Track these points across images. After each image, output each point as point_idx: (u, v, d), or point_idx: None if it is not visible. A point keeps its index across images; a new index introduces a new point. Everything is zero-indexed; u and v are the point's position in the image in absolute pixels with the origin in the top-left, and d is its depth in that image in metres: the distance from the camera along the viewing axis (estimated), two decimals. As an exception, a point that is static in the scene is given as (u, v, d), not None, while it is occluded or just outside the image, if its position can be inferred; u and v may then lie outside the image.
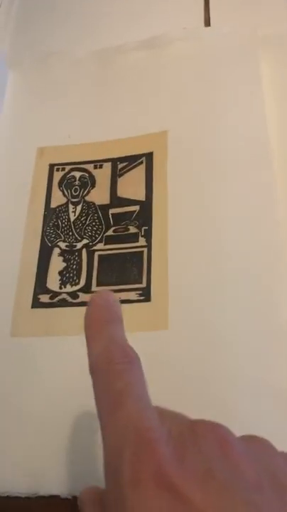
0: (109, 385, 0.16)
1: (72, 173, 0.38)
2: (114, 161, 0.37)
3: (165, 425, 0.15)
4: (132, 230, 0.34)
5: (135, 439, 0.15)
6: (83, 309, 0.32)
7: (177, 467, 0.14)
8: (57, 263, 0.34)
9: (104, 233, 0.35)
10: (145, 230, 0.34)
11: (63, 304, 0.33)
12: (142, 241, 0.34)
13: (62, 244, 0.35)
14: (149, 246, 0.33)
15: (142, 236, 0.34)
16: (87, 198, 0.37)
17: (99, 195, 0.36)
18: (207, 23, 0.44)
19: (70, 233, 0.36)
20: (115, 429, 0.15)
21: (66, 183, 0.37)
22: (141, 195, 0.35)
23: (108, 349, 0.17)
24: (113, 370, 0.17)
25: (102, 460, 0.27)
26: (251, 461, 0.15)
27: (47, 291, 0.33)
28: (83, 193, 0.37)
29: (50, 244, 0.35)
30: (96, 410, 0.17)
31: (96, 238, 0.35)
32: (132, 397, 0.16)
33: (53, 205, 0.37)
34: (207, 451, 0.15)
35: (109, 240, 0.35)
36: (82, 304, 0.32)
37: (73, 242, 0.35)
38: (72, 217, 0.36)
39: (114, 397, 0.16)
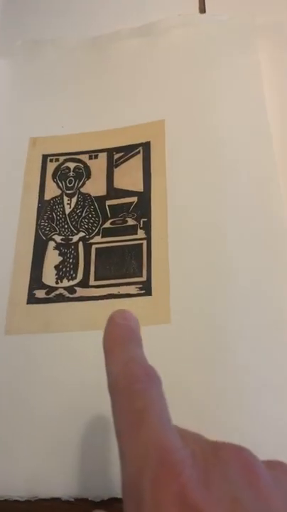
0: (129, 404, 0.16)
1: (67, 164, 0.37)
2: (110, 151, 0.36)
3: (188, 447, 0.15)
4: (130, 222, 0.33)
5: (157, 460, 0.14)
6: (81, 304, 0.32)
7: (202, 492, 0.13)
8: (52, 257, 0.33)
9: (101, 226, 0.34)
10: (143, 221, 0.33)
11: (60, 299, 0.32)
12: (141, 233, 0.33)
13: (58, 238, 0.34)
14: (148, 238, 0.32)
15: (141, 228, 0.33)
16: (83, 190, 0.35)
17: (94, 187, 0.35)
18: (202, 10, 0.43)
19: (66, 226, 0.34)
20: (135, 449, 0.15)
21: (60, 175, 0.36)
22: (138, 186, 0.34)
23: (128, 368, 0.17)
24: (133, 389, 0.16)
25: (103, 460, 0.26)
26: (277, 493, 0.14)
27: (43, 286, 0.32)
28: (78, 184, 0.36)
29: (44, 238, 0.34)
30: (115, 429, 0.16)
31: (93, 231, 0.34)
32: (153, 416, 0.15)
33: (47, 197, 0.36)
34: (233, 478, 0.14)
35: (106, 233, 0.33)
36: (80, 298, 0.31)
37: (69, 235, 0.34)
38: (67, 210, 0.35)
39: (134, 416, 0.15)
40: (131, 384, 0.16)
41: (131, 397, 0.16)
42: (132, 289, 0.31)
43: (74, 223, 0.34)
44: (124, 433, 0.15)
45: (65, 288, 0.32)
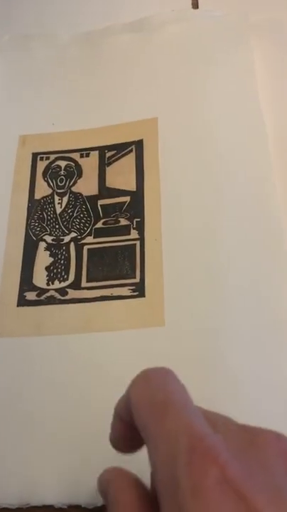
0: (150, 398, 0.16)
1: (57, 163, 0.36)
2: (102, 150, 0.36)
3: (218, 432, 0.15)
4: (123, 222, 0.33)
5: (189, 446, 0.14)
6: (73, 307, 0.31)
7: (243, 477, 0.13)
8: (43, 258, 0.32)
9: (93, 226, 0.33)
10: (137, 222, 0.32)
11: (51, 301, 0.31)
12: (134, 234, 0.32)
13: (48, 238, 0.33)
14: (142, 239, 0.32)
15: (134, 228, 0.32)
16: (74, 189, 0.35)
17: (86, 186, 0.35)
18: (195, 5, 0.42)
19: (57, 226, 0.34)
20: (164, 439, 0.14)
21: (51, 173, 0.35)
22: (131, 185, 0.34)
23: (143, 370, 0.17)
24: (151, 384, 0.16)
25: (96, 466, 0.26)
26: None
27: (33, 288, 0.31)
28: (69, 183, 0.35)
29: (35, 238, 0.33)
30: (139, 425, 0.16)
31: (84, 231, 0.33)
32: (177, 404, 0.15)
33: (37, 196, 0.35)
34: (272, 466, 0.14)
35: (98, 233, 0.33)
36: (72, 301, 0.31)
37: (60, 235, 0.33)
38: (58, 209, 0.34)
39: (157, 408, 0.15)
40: (148, 380, 0.17)
41: (151, 391, 0.16)
42: (125, 291, 0.30)
43: (65, 223, 0.34)
44: (150, 425, 0.15)
45: (56, 290, 0.31)
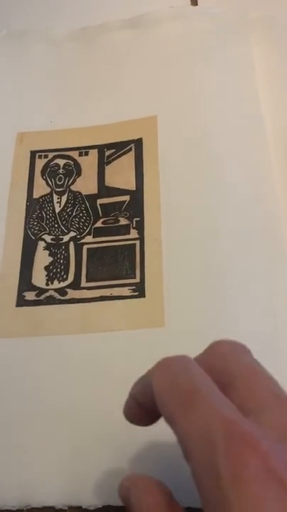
0: (176, 387, 0.16)
1: (56, 161, 0.35)
2: (101, 148, 0.35)
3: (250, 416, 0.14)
4: (123, 221, 0.32)
5: (225, 433, 0.13)
6: (72, 307, 0.31)
7: (285, 464, 0.13)
8: (42, 257, 0.32)
9: (93, 225, 0.33)
10: (136, 221, 0.32)
11: (51, 301, 0.31)
12: (134, 233, 0.32)
13: (48, 238, 0.33)
14: (141, 238, 0.32)
15: (133, 228, 0.32)
16: (73, 188, 0.34)
17: (85, 185, 0.34)
18: (195, 2, 0.42)
19: (56, 225, 0.33)
20: (195, 428, 0.14)
21: (49, 172, 0.35)
22: (130, 185, 0.33)
23: (163, 358, 0.18)
24: (174, 373, 0.16)
25: (97, 467, 0.26)
26: None
27: (32, 288, 0.31)
28: (68, 182, 0.35)
29: (33, 238, 0.33)
30: (164, 413, 0.16)
31: (84, 230, 0.33)
32: (204, 392, 0.15)
33: (36, 195, 0.34)
34: None
35: (98, 233, 0.32)
36: (71, 301, 0.31)
37: (59, 234, 0.33)
38: (57, 208, 0.34)
39: (184, 397, 0.15)
40: (172, 374, 0.16)
41: (175, 379, 0.16)
42: (125, 291, 0.30)
43: (64, 222, 0.33)
44: (178, 417, 0.15)
45: (55, 290, 0.31)
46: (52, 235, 0.33)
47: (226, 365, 0.17)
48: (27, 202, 0.34)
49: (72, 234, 0.33)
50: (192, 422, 0.14)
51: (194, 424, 0.14)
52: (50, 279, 0.31)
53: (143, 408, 0.18)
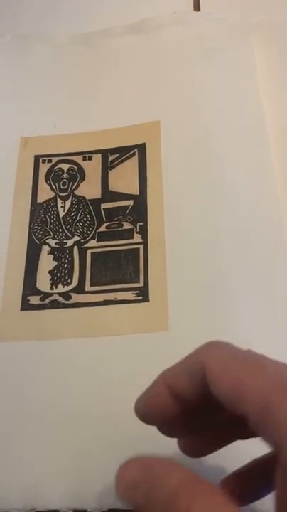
0: (237, 358, 0.17)
1: (60, 166, 0.36)
2: (104, 153, 0.35)
3: None
4: (126, 226, 0.33)
5: None
6: (77, 311, 0.31)
7: None
8: (46, 262, 0.32)
9: (97, 230, 0.33)
10: (140, 225, 0.32)
11: (55, 305, 0.31)
12: (137, 237, 0.32)
13: (52, 242, 0.33)
14: (145, 243, 0.32)
15: (137, 232, 0.32)
16: (77, 192, 0.35)
17: (89, 189, 0.35)
18: (197, 8, 0.42)
19: (60, 230, 0.34)
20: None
21: (53, 176, 0.35)
22: (134, 189, 0.34)
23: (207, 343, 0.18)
24: (228, 349, 0.17)
25: (101, 471, 0.26)
26: None
27: (37, 292, 0.31)
28: (72, 186, 0.35)
29: (38, 242, 0.33)
30: (225, 389, 0.16)
31: (88, 235, 0.33)
32: (264, 360, 0.16)
33: (40, 199, 0.35)
34: None
35: (101, 237, 0.33)
36: (76, 305, 0.31)
37: (63, 239, 0.33)
38: (61, 213, 0.34)
39: (251, 365, 0.16)
40: (222, 346, 0.18)
41: (231, 353, 0.17)
42: (129, 295, 0.30)
43: (68, 227, 0.34)
44: (246, 383, 0.15)
45: (59, 294, 0.31)
46: (56, 239, 0.33)
47: None
48: (31, 206, 0.34)
49: (76, 238, 0.33)
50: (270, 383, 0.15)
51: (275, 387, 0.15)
52: (54, 283, 0.32)
53: (171, 397, 0.17)
